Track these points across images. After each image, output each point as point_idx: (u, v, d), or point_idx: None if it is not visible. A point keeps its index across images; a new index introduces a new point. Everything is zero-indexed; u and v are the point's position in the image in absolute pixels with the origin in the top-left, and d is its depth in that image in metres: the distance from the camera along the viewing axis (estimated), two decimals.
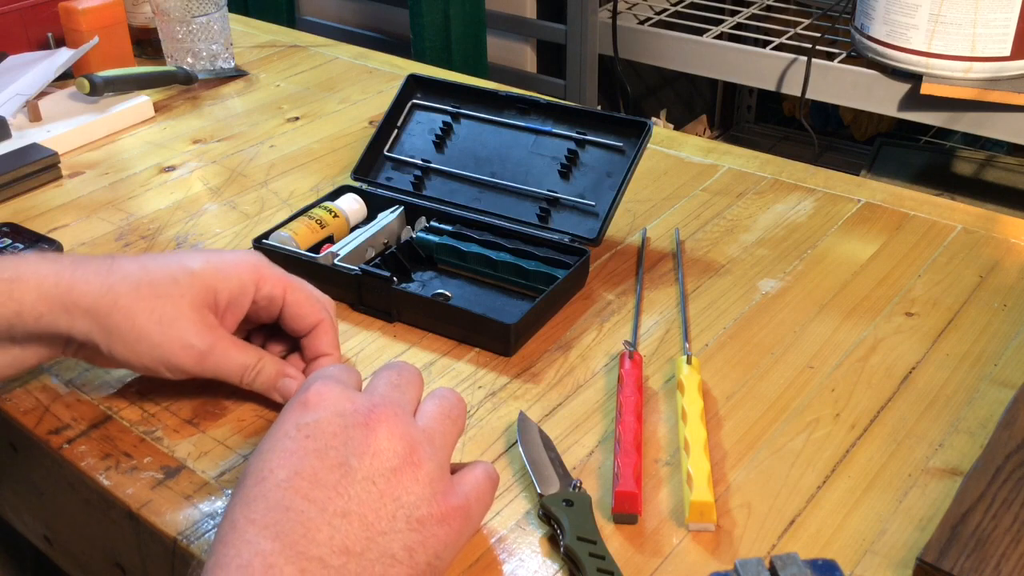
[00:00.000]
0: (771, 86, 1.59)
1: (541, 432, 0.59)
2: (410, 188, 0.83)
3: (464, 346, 0.69)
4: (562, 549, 0.51)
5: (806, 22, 1.69)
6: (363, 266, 0.72)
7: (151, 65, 1.15)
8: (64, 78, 1.09)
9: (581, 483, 0.55)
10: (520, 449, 0.58)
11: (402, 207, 0.80)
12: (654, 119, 2.10)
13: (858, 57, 1.49)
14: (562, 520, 0.52)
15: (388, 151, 0.86)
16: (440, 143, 0.85)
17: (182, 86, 1.12)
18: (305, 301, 0.63)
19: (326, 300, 0.65)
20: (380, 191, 0.83)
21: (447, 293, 0.74)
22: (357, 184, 0.84)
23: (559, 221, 0.77)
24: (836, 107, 2.19)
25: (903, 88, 1.43)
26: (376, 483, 0.45)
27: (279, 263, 0.75)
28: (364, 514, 0.45)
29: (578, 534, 0.51)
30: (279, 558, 0.43)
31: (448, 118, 0.85)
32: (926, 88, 1.37)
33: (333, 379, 0.50)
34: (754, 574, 0.47)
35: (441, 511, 0.47)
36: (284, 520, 0.44)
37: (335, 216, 0.79)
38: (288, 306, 0.62)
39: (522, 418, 0.60)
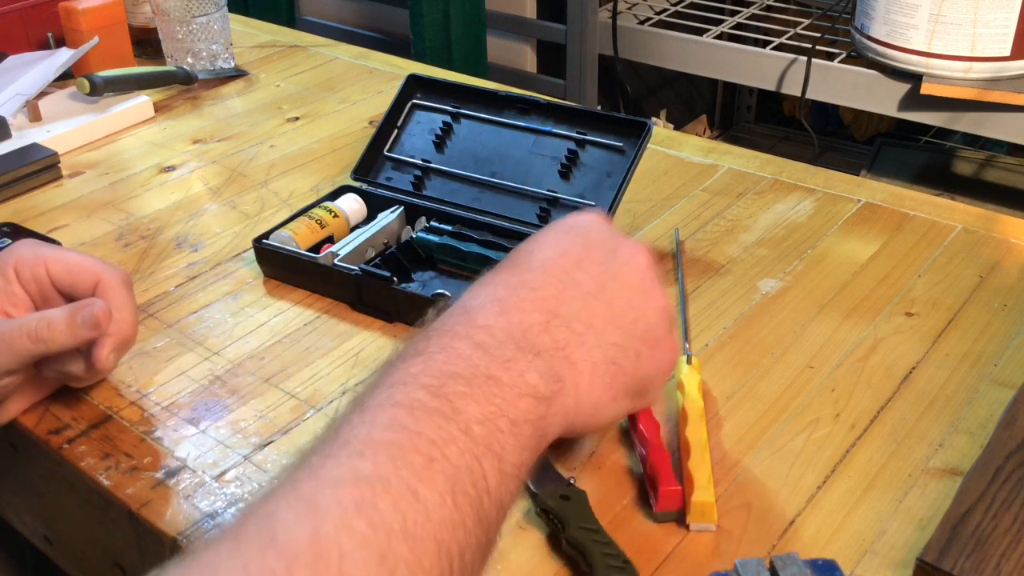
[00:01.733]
0: (771, 86, 1.59)
1: None
2: (410, 188, 0.83)
3: None
4: (564, 542, 0.51)
5: (806, 22, 1.69)
6: (363, 266, 0.72)
7: (151, 65, 1.15)
8: (64, 78, 1.09)
9: (574, 479, 0.56)
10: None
11: (402, 207, 0.80)
12: (654, 119, 2.10)
13: (858, 57, 1.49)
14: (562, 513, 0.52)
15: (388, 151, 0.86)
16: (440, 143, 0.85)
17: (182, 86, 1.12)
18: (73, 268, 0.62)
19: (100, 264, 0.63)
20: (380, 191, 0.83)
21: (447, 293, 0.74)
22: (357, 184, 0.84)
23: None
24: (836, 107, 2.19)
25: (903, 88, 1.43)
26: (630, 291, 0.51)
27: (279, 263, 0.76)
28: (613, 307, 0.50)
29: (580, 524, 0.52)
30: (530, 304, 0.47)
31: (448, 118, 0.85)
32: (926, 88, 1.37)
33: (605, 216, 0.55)
34: (754, 574, 0.47)
35: (670, 342, 0.53)
36: (544, 281, 0.48)
37: (335, 216, 0.79)
38: (55, 279, 0.62)
39: None
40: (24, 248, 0.64)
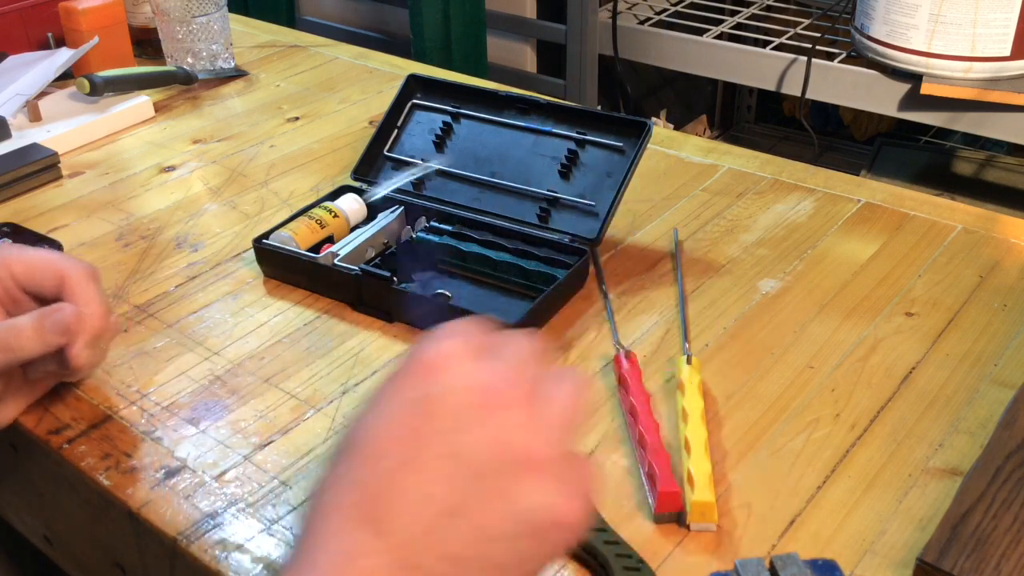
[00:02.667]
0: (771, 86, 1.59)
1: None
2: (410, 188, 0.83)
3: None
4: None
5: (806, 22, 1.69)
6: (363, 266, 0.72)
7: (151, 65, 1.14)
8: (64, 78, 1.09)
9: None
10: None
11: (402, 207, 0.80)
12: (654, 119, 2.10)
13: (858, 57, 1.49)
14: None
15: (388, 151, 0.86)
16: (440, 143, 0.85)
17: (182, 86, 1.12)
18: (35, 267, 0.62)
19: (63, 260, 0.63)
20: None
21: (447, 293, 0.74)
22: (357, 184, 0.84)
23: (559, 221, 0.77)
24: (836, 107, 2.19)
25: (903, 88, 1.43)
26: (498, 479, 0.39)
27: (279, 263, 0.76)
28: (478, 519, 0.38)
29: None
30: (381, 560, 0.37)
31: (448, 118, 0.85)
32: (926, 88, 1.37)
33: (465, 337, 0.42)
34: (754, 574, 0.47)
35: (565, 517, 0.40)
36: (390, 514, 0.38)
37: (335, 216, 0.79)
38: (20, 280, 0.62)
39: None
40: None
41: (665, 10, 1.83)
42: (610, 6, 1.73)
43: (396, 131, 0.86)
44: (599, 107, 1.89)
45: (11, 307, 0.63)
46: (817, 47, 1.52)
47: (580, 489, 0.41)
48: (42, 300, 0.62)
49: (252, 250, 0.77)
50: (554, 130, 0.81)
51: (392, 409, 0.40)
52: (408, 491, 0.38)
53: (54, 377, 0.63)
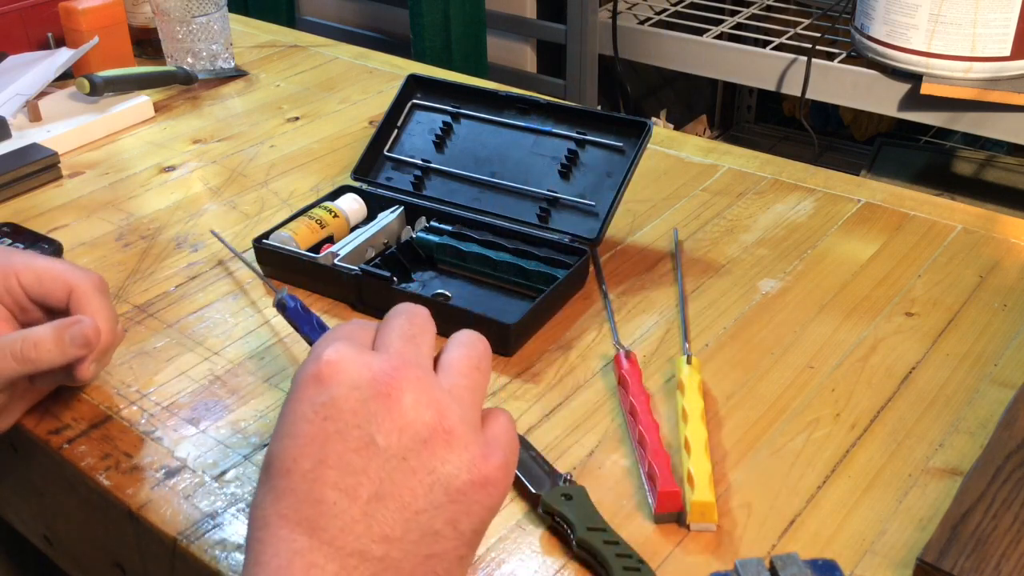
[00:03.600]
0: (771, 86, 1.59)
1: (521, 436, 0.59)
2: (410, 188, 0.83)
3: None
4: (574, 544, 0.52)
5: (806, 22, 1.69)
6: (363, 266, 0.72)
7: (151, 65, 1.14)
8: (64, 78, 1.09)
9: (571, 476, 0.56)
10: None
11: (402, 207, 0.80)
12: (654, 119, 2.10)
13: (858, 57, 1.49)
14: (567, 515, 0.53)
15: (388, 151, 0.86)
16: (440, 143, 0.85)
17: (182, 86, 1.12)
18: (44, 277, 0.61)
19: (71, 271, 0.62)
20: (380, 191, 0.83)
21: (447, 293, 0.74)
22: (357, 184, 0.84)
23: (559, 221, 0.77)
24: (836, 107, 2.19)
25: (903, 88, 1.43)
26: (407, 459, 0.42)
27: (279, 263, 0.76)
28: (399, 495, 0.41)
29: (588, 525, 0.52)
30: (319, 556, 0.40)
31: (448, 118, 0.85)
32: (926, 88, 1.37)
33: (344, 341, 0.45)
34: (754, 574, 0.47)
35: (482, 475, 0.43)
36: (317, 515, 0.41)
37: (335, 216, 0.79)
38: (27, 289, 0.62)
39: None
40: None
41: (665, 10, 1.83)
42: (610, 6, 1.73)
43: (396, 131, 0.86)
44: (599, 107, 1.89)
45: (19, 315, 0.63)
46: (817, 47, 1.52)
47: (494, 445, 0.44)
48: (48, 309, 0.62)
49: (252, 250, 0.77)
50: (554, 130, 0.81)
51: (295, 423, 0.43)
52: (328, 488, 0.41)
53: (57, 383, 0.63)
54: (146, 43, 1.21)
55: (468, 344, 0.47)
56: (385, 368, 0.43)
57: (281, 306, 0.63)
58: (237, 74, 1.15)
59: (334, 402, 0.42)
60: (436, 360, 0.47)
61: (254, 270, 0.77)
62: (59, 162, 0.94)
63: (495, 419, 0.46)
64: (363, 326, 0.48)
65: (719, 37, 1.69)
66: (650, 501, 0.55)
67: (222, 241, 0.80)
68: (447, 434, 0.42)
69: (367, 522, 0.41)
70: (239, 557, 0.53)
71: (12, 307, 0.62)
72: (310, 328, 0.62)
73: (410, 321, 0.48)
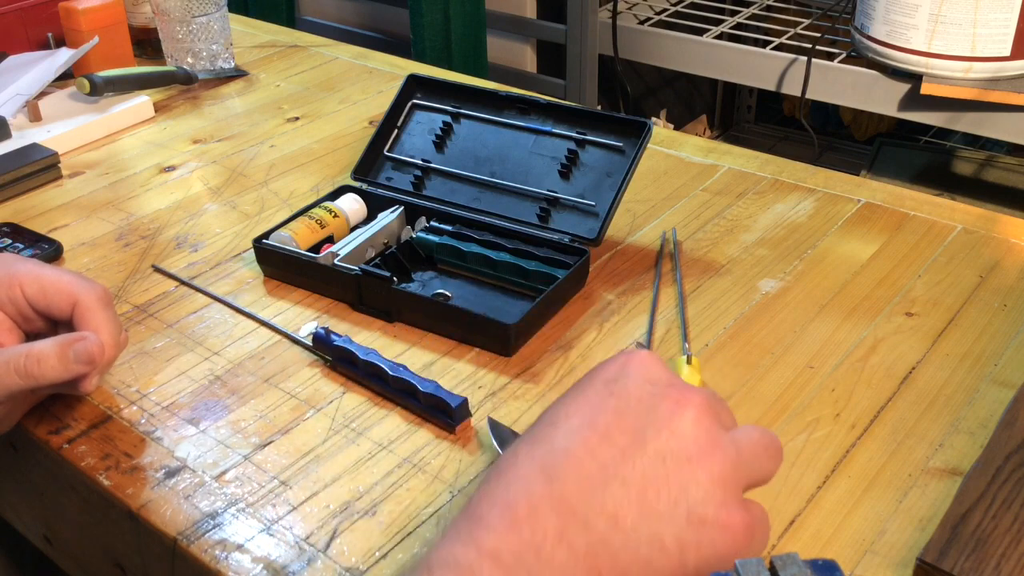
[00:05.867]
0: (771, 86, 1.59)
1: (515, 434, 0.59)
2: (410, 188, 0.83)
3: (464, 346, 0.69)
4: None
5: (806, 22, 1.69)
6: (363, 266, 0.72)
7: (151, 65, 1.15)
8: (64, 78, 1.09)
9: None
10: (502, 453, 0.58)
11: (402, 207, 0.80)
12: (654, 119, 2.10)
13: (858, 57, 1.49)
14: None
15: (388, 151, 0.86)
16: (440, 143, 0.85)
17: (182, 86, 1.12)
18: (48, 289, 0.61)
19: (76, 283, 0.62)
20: (380, 191, 0.83)
21: (447, 293, 0.74)
22: (357, 184, 0.84)
23: (559, 221, 0.77)
24: (836, 107, 2.19)
25: (903, 88, 1.43)
26: (666, 463, 0.42)
27: (279, 263, 0.76)
28: (644, 489, 0.41)
29: None
30: (544, 503, 0.41)
31: (448, 118, 0.85)
32: (926, 88, 1.37)
33: (656, 355, 0.46)
34: (754, 574, 0.47)
35: (727, 518, 0.42)
36: (563, 465, 0.42)
37: (335, 216, 0.79)
38: (31, 300, 0.61)
39: (493, 424, 0.60)
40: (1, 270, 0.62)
41: (665, 10, 1.83)
42: (610, 6, 1.73)
43: (396, 131, 0.86)
44: (599, 107, 1.89)
45: (22, 323, 0.63)
46: (817, 47, 1.52)
47: (748, 506, 0.43)
48: (51, 319, 0.62)
49: (252, 250, 0.77)
50: (554, 130, 0.81)
51: (582, 392, 0.45)
52: (581, 447, 0.42)
53: (58, 391, 0.63)
54: (146, 43, 1.21)
55: (767, 433, 0.46)
56: (684, 387, 0.44)
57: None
58: (237, 74, 1.15)
59: (625, 385, 0.44)
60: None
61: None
62: (59, 162, 0.94)
63: (757, 506, 0.45)
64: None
65: (719, 37, 1.69)
66: None
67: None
68: (710, 463, 0.42)
69: (604, 493, 0.41)
70: (239, 557, 0.53)
71: (15, 316, 0.62)
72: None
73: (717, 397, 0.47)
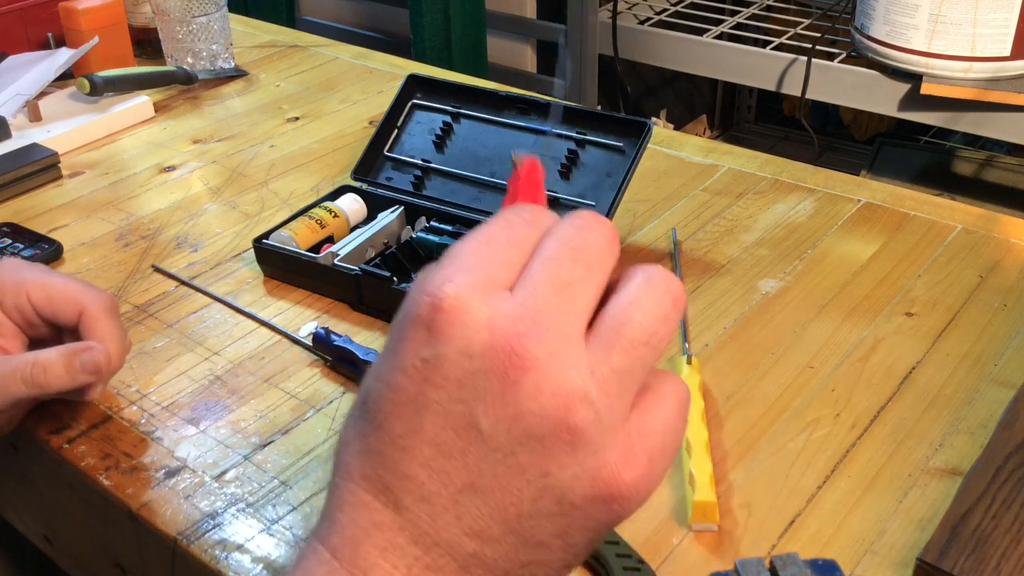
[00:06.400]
0: (771, 86, 1.59)
1: None
2: (410, 188, 0.83)
3: None
4: None
5: (806, 22, 1.69)
6: (363, 266, 0.72)
7: (151, 65, 1.14)
8: (64, 78, 1.09)
9: None
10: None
11: (402, 207, 0.80)
12: (654, 119, 2.10)
13: (858, 57, 1.49)
14: None
15: (388, 151, 0.86)
16: (440, 143, 0.84)
17: (182, 86, 1.12)
18: (55, 297, 0.61)
19: (82, 291, 0.62)
20: (380, 191, 0.83)
21: None
22: (357, 184, 0.84)
23: None
24: (836, 107, 2.19)
25: (903, 88, 1.43)
26: (515, 454, 0.33)
27: (279, 263, 0.76)
28: (498, 494, 0.34)
29: None
30: (401, 537, 0.34)
31: (448, 118, 0.85)
32: (926, 88, 1.37)
33: (471, 273, 0.35)
34: (754, 574, 0.47)
35: (607, 490, 0.34)
36: (403, 491, 0.34)
37: (335, 216, 0.79)
38: (37, 307, 0.61)
39: None
40: (5, 274, 0.62)
41: (665, 10, 1.83)
42: (610, 6, 1.73)
43: (396, 131, 0.86)
44: (599, 107, 1.89)
45: (28, 330, 0.63)
46: (817, 47, 1.52)
47: (637, 450, 0.34)
48: (57, 327, 0.62)
49: (252, 250, 0.77)
50: (554, 130, 0.81)
51: (394, 371, 0.35)
52: (418, 465, 0.34)
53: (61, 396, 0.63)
54: (146, 43, 1.21)
55: (651, 291, 0.36)
56: (510, 333, 0.33)
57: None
58: (237, 74, 1.15)
59: (440, 365, 0.34)
60: (604, 302, 0.36)
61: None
62: (59, 162, 0.94)
63: (656, 404, 0.36)
64: (517, 235, 0.37)
65: (719, 37, 1.69)
66: None
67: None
68: (571, 434, 0.33)
69: (457, 512, 0.34)
70: (239, 557, 0.53)
71: (21, 323, 0.62)
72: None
73: (579, 250, 0.36)
